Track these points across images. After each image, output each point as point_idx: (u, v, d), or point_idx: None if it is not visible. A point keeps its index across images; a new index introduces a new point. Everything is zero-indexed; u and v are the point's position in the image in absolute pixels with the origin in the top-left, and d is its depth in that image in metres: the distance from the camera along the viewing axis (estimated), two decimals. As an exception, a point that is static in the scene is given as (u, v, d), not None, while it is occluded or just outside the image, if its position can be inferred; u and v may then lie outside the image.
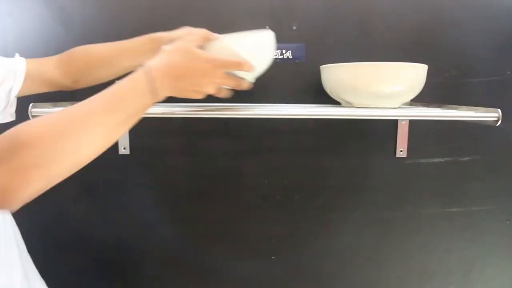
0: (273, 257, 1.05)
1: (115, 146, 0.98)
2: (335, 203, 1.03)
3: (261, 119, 0.97)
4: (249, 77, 0.63)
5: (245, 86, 0.61)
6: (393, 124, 1.00)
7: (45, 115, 0.45)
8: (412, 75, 0.75)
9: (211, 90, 0.57)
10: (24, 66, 0.67)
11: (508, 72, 0.98)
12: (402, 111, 0.76)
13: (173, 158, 1.00)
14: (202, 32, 0.66)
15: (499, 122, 0.64)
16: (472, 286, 1.07)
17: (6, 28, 0.93)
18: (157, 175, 1.01)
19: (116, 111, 0.48)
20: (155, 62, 0.53)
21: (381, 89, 0.74)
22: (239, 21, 0.95)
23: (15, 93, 0.66)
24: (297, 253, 1.05)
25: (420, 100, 0.87)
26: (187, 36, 0.61)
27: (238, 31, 0.69)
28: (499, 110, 0.64)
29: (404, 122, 0.99)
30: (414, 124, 0.99)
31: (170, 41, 0.61)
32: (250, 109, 0.72)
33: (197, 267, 1.05)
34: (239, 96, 0.83)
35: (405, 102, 0.86)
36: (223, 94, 0.61)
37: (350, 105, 0.81)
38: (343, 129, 1.00)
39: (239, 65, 0.57)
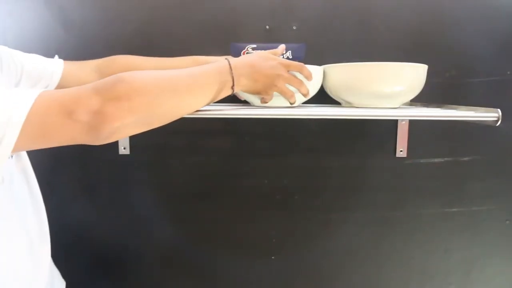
0: (273, 257, 1.05)
1: (115, 146, 0.98)
2: (335, 203, 1.03)
3: (261, 119, 0.97)
4: (298, 100, 0.72)
5: (304, 90, 0.68)
6: (393, 124, 1.00)
7: (146, 71, 0.52)
8: (412, 75, 0.75)
9: (279, 85, 0.65)
10: (61, 67, 0.71)
11: (508, 72, 0.98)
12: (402, 111, 0.76)
13: (173, 158, 1.00)
14: (273, 51, 0.74)
15: (499, 122, 0.64)
16: (472, 286, 1.07)
17: (6, 28, 0.93)
18: (157, 175, 1.01)
19: (200, 86, 0.56)
20: (234, 58, 0.63)
21: (381, 89, 0.74)
22: (240, 21, 0.95)
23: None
24: (297, 253, 1.05)
25: (420, 100, 0.87)
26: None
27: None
28: (499, 110, 0.64)
29: (404, 122, 0.99)
30: (414, 124, 0.99)
31: None
32: (250, 110, 0.72)
33: (197, 267, 1.05)
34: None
35: (405, 102, 0.86)
36: (290, 95, 0.67)
37: (350, 105, 0.81)
38: (343, 129, 1.00)
39: (300, 68, 0.67)
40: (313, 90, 0.79)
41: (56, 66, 0.71)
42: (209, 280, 1.06)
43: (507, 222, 1.04)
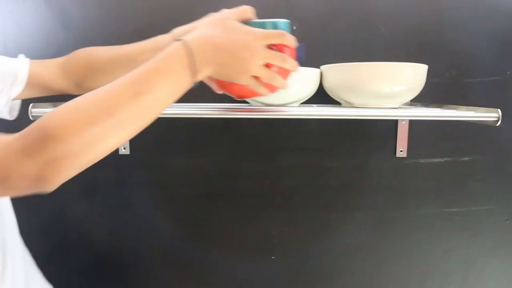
0: (273, 257, 1.05)
1: (115, 146, 0.98)
2: (335, 203, 1.03)
3: (261, 119, 0.97)
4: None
5: (291, 66, 0.54)
6: (393, 124, 1.00)
7: (72, 101, 0.42)
8: (412, 75, 0.75)
9: (256, 68, 0.51)
10: (26, 67, 0.66)
11: (508, 72, 0.98)
12: (402, 111, 0.76)
13: (173, 158, 1.00)
14: (238, 11, 0.57)
15: (499, 122, 0.64)
16: (472, 286, 1.07)
17: (6, 28, 0.93)
18: (157, 175, 1.01)
19: (146, 94, 0.44)
20: (191, 36, 0.48)
21: (381, 89, 0.74)
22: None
23: (15, 94, 0.65)
24: (297, 253, 1.05)
25: (420, 100, 0.87)
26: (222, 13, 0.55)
27: None
28: (499, 110, 0.64)
29: (404, 122, 0.99)
30: (414, 124, 0.99)
31: None
32: (250, 110, 0.72)
33: (197, 267, 1.05)
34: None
35: (405, 102, 0.86)
36: (272, 77, 0.52)
37: (350, 105, 0.81)
38: (343, 129, 1.00)
39: (282, 36, 0.52)
40: (309, 92, 0.79)
41: (21, 65, 0.65)
42: (209, 280, 1.06)
43: (507, 222, 1.04)
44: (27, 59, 0.67)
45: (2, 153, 0.40)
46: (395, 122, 0.99)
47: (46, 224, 1.01)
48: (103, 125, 0.41)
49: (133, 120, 0.44)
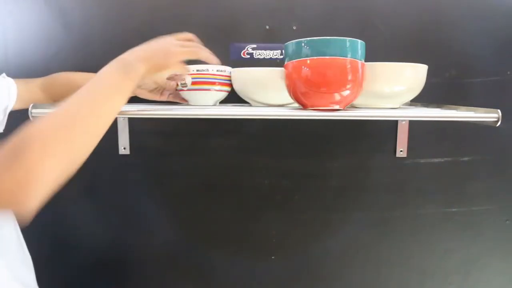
0: (273, 257, 1.05)
1: (115, 146, 0.98)
2: (335, 203, 1.03)
3: (261, 119, 0.97)
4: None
5: (204, 53, 0.66)
6: (393, 124, 1.00)
7: (45, 115, 0.47)
8: (412, 75, 0.75)
9: (176, 49, 0.63)
10: (15, 85, 0.73)
11: (508, 72, 0.98)
12: (402, 111, 0.76)
13: (173, 158, 1.00)
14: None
15: (499, 123, 0.64)
16: (472, 286, 1.07)
17: (6, 28, 0.93)
18: (157, 175, 1.01)
19: (100, 100, 0.51)
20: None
21: (381, 89, 0.74)
22: (239, 21, 0.95)
23: (9, 110, 0.72)
24: (297, 253, 1.05)
25: (420, 100, 0.87)
26: None
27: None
28: (499, 110, 0.63)
29: (404, 122, 0.99)
30: (414, 124, 0.99)
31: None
32: (250, 110, 0.72)
33: (197, 267, 1.05)
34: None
35: (405, 102, 0.86)
36: (194, 51, 0.65)
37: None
38: (343, 129, 1.00)
39: (188, 36, 0.68)
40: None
41: (11, 84, 0.73)
42: (209, 280, 1.06)
43: (507, 222, 1.04)
44: (11, 79, 0.74)
45: None
46: (395, 122, 0.99)
47: (46, 224, 1.01)
48: (73, 129, 0.48)
49: (97, 124, 0.52)
